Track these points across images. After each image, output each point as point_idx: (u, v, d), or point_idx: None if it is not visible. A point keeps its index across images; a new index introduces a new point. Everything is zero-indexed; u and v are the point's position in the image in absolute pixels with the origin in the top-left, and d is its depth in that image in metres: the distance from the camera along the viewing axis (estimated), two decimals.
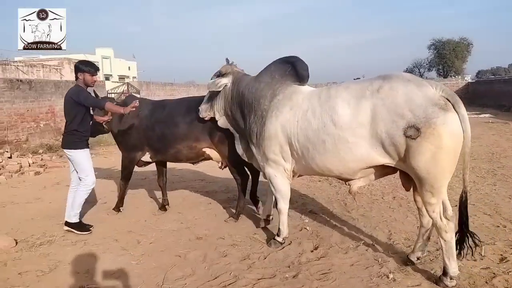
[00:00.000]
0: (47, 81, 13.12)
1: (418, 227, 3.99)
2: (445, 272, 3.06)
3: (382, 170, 3.37)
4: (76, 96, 4.29)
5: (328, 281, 3.15)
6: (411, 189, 3.40)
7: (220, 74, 4.22)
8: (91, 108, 4.60)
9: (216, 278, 3.30)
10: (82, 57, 31.96)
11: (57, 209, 5.29)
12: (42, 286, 3.23)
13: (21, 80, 11.91)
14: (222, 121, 4.35)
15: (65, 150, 4.49)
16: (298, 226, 4.43)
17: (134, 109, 4.37)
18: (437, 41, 49.86)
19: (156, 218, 4.86)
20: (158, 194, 6.06)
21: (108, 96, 15.91)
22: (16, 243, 4.09)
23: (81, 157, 4.42)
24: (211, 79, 4.30)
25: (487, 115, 18.96)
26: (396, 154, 3.05)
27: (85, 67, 4.42)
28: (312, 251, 3.75)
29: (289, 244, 3.93)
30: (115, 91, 16.95)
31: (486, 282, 3.02)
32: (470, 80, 34.59)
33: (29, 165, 8.65)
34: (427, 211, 3.14)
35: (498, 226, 4.20)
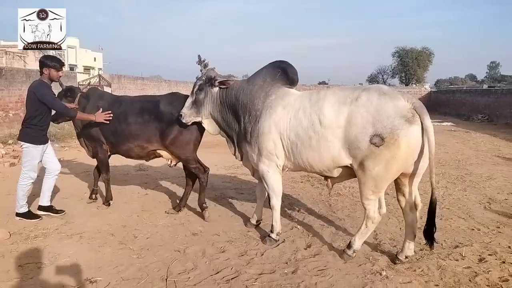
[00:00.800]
0: (18, 70, 12.70)
1: (401, 228, 4.30)
2: (350, 246, 3.73)
3: (352, 173, 3.68)
4: (40, 94, 4.36)
5: (326, 277, 3.35)
6: (396, 191, 3.78)
7: (212, 78, 4.29)
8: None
9: (218, 272, 3.43)
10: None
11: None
12: (45, 279, 3.26)
13: None
14: (209, 127, 4.50)
15: (20, 142, 4.56)
16: (289, 225, 4.61)
17: (107, 117, 4.67)
18: (400, 49, 51.42)
19: (148, 214, 4.91)
20: (142, 190, 6.11)
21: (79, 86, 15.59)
22: (10, 235, 4.06)
23: (32, 152, 4.51)
24: (196, 82, 4.43)
25: (448, 123, 19.91)
26: (357, 156, 3.43)
27: (51, 63, 4.48)
28: (305, 249, 3.95)
29: (283, 242, 4.11)
30: (86, 83, 16.57)
31: (470, 280, 3.31)
32: (429, 89, 36.04)
33: (2, 156, 8.41)
34: (363, 203, 3.60)
35: (473, 229, 4.54)
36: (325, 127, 3.55)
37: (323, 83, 51.98)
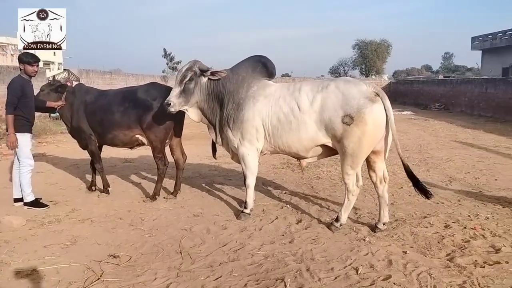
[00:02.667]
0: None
1: (376, 203, 4.92)
2: (337, 219, 4.30)
3: (326, 152, 4.38)
4: (7, 88, 4.78)
5: (319, 244, 3.89)
6: (367, 169, 4.46)
7: (204, 70, 4.57)
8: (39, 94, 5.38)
9: (225, 245, 3.90)
10: (4, 40, 29.98)
11: (40, 193, 5.51)
12: (72, 256, 3.62)
13: None
14: (192, 114, 4.80)
15: None
16: (278, 204, 5.13)
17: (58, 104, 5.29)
18: (360, 41, 52.96)
19: (148, 200, 5.29)
20: (135, 179, 6.46)
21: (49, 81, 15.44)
22: (25, 222, 4.36)
23: (22, 141, 4.85)
24: (179, 75, 4.61)
25: (408, 112, 21.03)
26: (334, 136, 4.07)
27: (25, 58, 4.85)
28: (297, 223, 4.48)
29: (276, 218, 4.62)
30: (56, 78, 16.41)
31: (438, 242, 3.93)
32: (388, 80, 37.55)
33: None
34: (343, 178, 4.22)
35: (438, 203, 5.22)
36: (303, 112, 4.16)
37: (286, 75, 52.68)
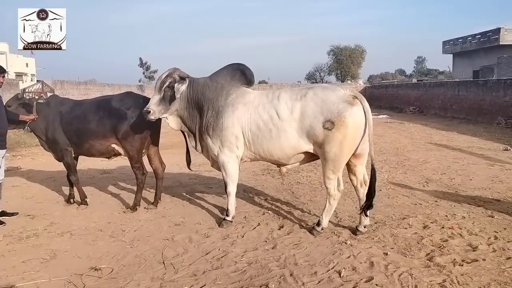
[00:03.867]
0: None
1: (356, 207, 4.99)
2: (319, 223, 4.33)
3: (308, 158, 4.41)
4: None
5: (302, 249, 3.92)
6: (348, 172, 4.51)
7: (174, 78, 4.59)
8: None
9: (207, 253, 3.89)
10: None
11: (18, 207, 5.41)
12: (52, 270, 3.55)
13: None
14: (172, 122, 4.81)
15: None
16: (260, 211, 5.15)
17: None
18: (335, 47, 53.70)
19: (129, 211, 5.23)
20: (114, 190, 6.38)
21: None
22: (2, 237, 4.25)
23: None
24: (158, 82, 4.64)
25: (384, 116, 21.42)
26: (315, 142, 4.09)
27: None
28: (279, 229, 4.50)
29: (258, 225, 4.64)
30: (29, 90, 16.08)
31: (418, 243, 4.02)
32: (363, 84, 38.19)
33: None
34: (325, 183, 4.26)
35: (416, 204, 5.34)
36: (283, 120, 4.19)
37: (263, 82, 52.91)
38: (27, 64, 43.55)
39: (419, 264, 3.55)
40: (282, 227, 4.56)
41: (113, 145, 5.24)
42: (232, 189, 4.66)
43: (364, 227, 4.33)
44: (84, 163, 8.78)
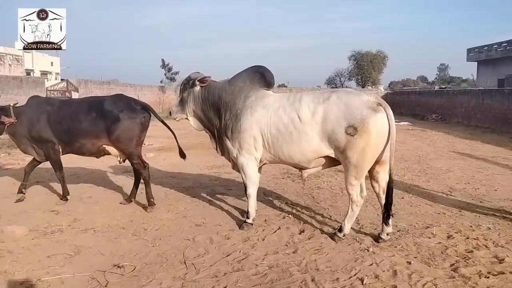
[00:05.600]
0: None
1: (378, 214, 4.94)
2: (340, 229, 4.28)
3: (329, 162, 4.35)
4: None
5: (323, 255, 3.89)
6: (370, 179, 4.43)
7: (188, 80, 4.87)
8: None
9: (228, 255, 3.90)
10: (1, 50, 30.10)
11: (42, 203, 5.54)
12: (76, 266, 3.61)
13: None
14: (194, 124, 5.03)
15: None
16: (280, 215, 5.13)
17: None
18: (356, 52, 53.21)
19: (150, 209, 5.28)
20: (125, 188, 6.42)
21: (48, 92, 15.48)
22: (28, 231, 4.34)
23: None
24: (180, 84, 5.04)
25: (406, 123, 21.13)
26: (337, 147, 4.03)
27: None
28: (300, 234, 4.47)
29: (279, 228, 4.62)
30: (54, 88, 16.46)
31: (442, 253, 3.94)
32: (384, 90, 37.79)
33: None
34: (347, 189, 4.18)
35: (439, 213, 5.24)
36: (305, 123, 4.14)
37: (283, 85, 52.84)
38: (52, 63, 44.59)
39: (444, 275, 3.48)
40: (303, 231, 4.54)
41: (104, 146, 5.31)
42: (252, 191, 4.67)
43: (387, 234, 4.27)
44: (105, 162, 8.94)
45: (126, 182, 6.92)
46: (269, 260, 3.77)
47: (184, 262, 3.72)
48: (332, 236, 4.33)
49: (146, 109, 5.41)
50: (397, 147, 11.51)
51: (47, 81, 27.47)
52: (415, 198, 5.99)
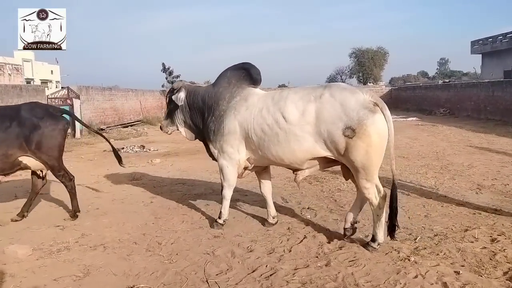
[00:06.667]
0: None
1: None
2: (374, 239, 3.87)
3: (326, 163, 4.09)
4: None
5: (359, 267, 3.50)
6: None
7: (173, 90, 4.77)
8: None
9: (254, 271, 3.51)
10: (0, 59, 29.79)
11: (46, 216, 5.21)
12: None
13: None
14: (186, 134, 4.94)
15: None
16: (303, 221, 4.74)
17: None
18: (357, 50, 52.92)
19: (162, 221, 4.90)
20: (145, 198, 6.05)
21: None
22: (32, 251, 3.96)
23: None
24: (167, 95, 4.90)
25: (413, 118, 20.72)
26: (336, 149, 3.75)
27: None
28: (329, 243, 4.08)
29: (304, 237, 4.23)
30: (55, 96, 16.11)
31: (491, 259, 3.55)
32: (385, 87, 37.30)
33: None
34: (364, 194, 3.86)
35: (474, 214, 4.85)
36: (291, 124, 3.88)
37: (283, 86, 52.58)
38: (51, 71, 44.33)
39: (499, 285, 3.10)
40: (331, 240, 4.15)
41: (21, 158, 4.73)
42: (227, 193, 4.57)
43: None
44: (110, 170, 8.58)
45: (134, 190, 6.56)
46: (300, 276, 3.38)
47: (207, 281, 3.34)
48: (365, 246, 3.93)
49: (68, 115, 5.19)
50: (410, 144, 11.22)
51: (48, 89, 27.17)
52: (443, 197, 5.60)
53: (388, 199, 3.85)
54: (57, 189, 6.79)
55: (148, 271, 3.54)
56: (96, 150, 12.56)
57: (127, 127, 20.09)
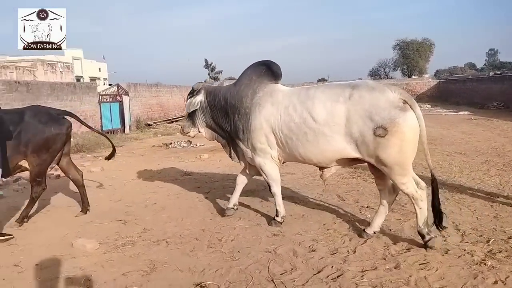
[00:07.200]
0: (43, 83, 12.73)
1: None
2: (422, 236, 3.76)
3: (350, 161, 4.09)
4: None
5: (432, 270, 3.33)
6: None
7: (192, 92, 4.83)
8: None
9: (319, 271, 3.42)
10: (53, 58, 31.11)
11: (108, 211, 5.31)
12: (155, 285, 3.26)
13: (19, 82, 11.56)
14: (207, 134, 4.97)
15: None
16: (364, 221, 4.59)
17: None
18: (401, 41, 51.53)
19: (219, 217, 4.90)
20: (200, 193, 6.08)
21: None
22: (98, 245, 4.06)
23: None
24: (187, 97, 4.94)
25: (465, 112, 19.87)
26: (367, 149, 3.72)
27: None
28: (395, 244, 3.91)
29: (368, 238, 4.09)
30: (106, 92, 16.63)
31: None
32: (431, 80, 35.96)
33: None
34: (402, 190, 3.79)
35: None
36: (320, 124, 3.86)
37: (323, 80, 51.87)
38: (99, 68, 45.88)
39: None
40: (397, 241, 3.98)
41: (22, 162, 4.63)
42: (276, 189, 4.52)
43: (374, 232, 4.09)
44: (163, 164, 8.73)
45: (187, 185, 6.62)
46: (369, 278, 3.26)
47: (272, 280, 3.28)
48: (424, 246, 3.75)
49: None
50: (466, 139, 10.74)
51: (98, 86, 28.15)
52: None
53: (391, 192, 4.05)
54: (115, 183, 6.99)
55: (212, 267, 3.53)
56: (145, 145, 12.86)
57: (172, 122, 20.46)
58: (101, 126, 15.00)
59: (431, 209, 3.76)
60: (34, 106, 5.11)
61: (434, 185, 3.74)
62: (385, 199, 4.09)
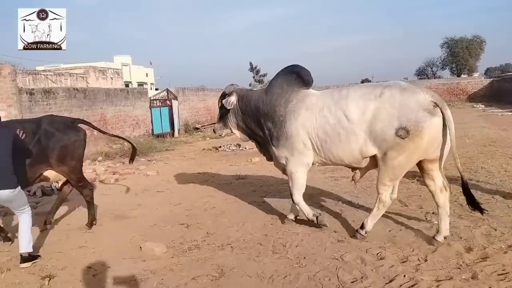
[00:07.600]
0: (99, 90, 13.24)
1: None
2: (363, 226, 4.16)
3: (376, 162, 4.05)
4: None
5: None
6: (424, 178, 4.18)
7: (225, 95, 4.93)
8: None
9: (391, 280, 3.32)
10: (103, 65, 32.40)
11: (169, 215, 5.42)
12: None
13: (77, 89, 12.08)
14: (239, 135, 5.11)
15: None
16: (432, 227, 4.40)
17: None
18: (449, 39, 49.55)
19: (279, 222, 4.88)
20: (256, 197, 6.09)
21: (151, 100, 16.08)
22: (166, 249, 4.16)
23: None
24: (219, 100, 5.07)
25: None
26: (381, 147, 3.82)
27: None
28: (468, 252, 3.75)
29: (440, 246, 3.93)
30: (156, 97, 17.09)
31: None
32: (483, 78, 34.34)
33: (103, 173, 8.76)
34: (378, 188, 3.99)
35: None
36: (353, 123, 3.92)
37: (366, 80, 50.82)
38: (146, 74, 47.26)
39: None
40: (471, 249, 3.81)
41: (45, 171, 4.67)
42: (299, 198, 4.53)
43: (444, 238, 3.97)
44: (215, 167, 8.84)
45: (243, 189, 6.66)
46: None
47: None
48: (352, 235, 4.19)
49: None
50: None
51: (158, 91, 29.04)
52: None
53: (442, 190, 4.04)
54: (171, 187, 7.15)
55: (280, 274, 3.52)
56: (195, 148, 13.10)
57: None
58: (152, 130, 15.42)
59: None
60: (49, 115, 5.14)
61: (465, 185, 3.90)
62: (440, 199, 4.02)
